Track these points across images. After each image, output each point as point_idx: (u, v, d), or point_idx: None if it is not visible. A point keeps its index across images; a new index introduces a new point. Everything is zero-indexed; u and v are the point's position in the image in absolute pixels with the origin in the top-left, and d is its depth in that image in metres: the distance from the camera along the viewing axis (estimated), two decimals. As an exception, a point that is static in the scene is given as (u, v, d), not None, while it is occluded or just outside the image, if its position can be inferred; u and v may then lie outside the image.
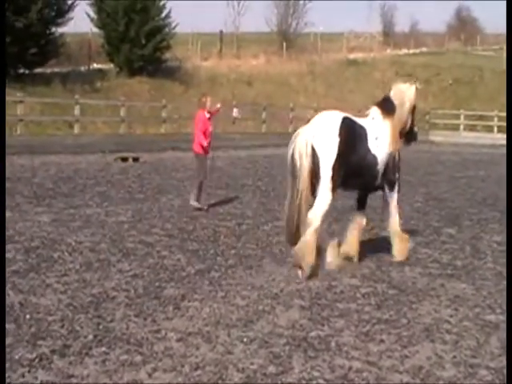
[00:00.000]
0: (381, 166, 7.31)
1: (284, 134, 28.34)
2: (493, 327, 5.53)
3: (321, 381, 4.36)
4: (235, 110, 27.64)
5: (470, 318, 5.76)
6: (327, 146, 6.73)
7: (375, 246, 8.45)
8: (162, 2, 31.02)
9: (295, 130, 7.13)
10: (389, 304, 6.03)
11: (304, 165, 6.66)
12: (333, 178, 6.76)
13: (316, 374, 4.45)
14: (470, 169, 19.90)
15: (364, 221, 7.78)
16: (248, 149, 22.89)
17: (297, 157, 6.70)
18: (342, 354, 4.80)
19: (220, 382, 4.28)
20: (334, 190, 6.88)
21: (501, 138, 31.82)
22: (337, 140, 6.75)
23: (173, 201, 11.27)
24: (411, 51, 50.90)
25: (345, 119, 6.96)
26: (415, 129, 8.12)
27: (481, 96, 39.43)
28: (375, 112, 7.58)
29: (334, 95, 36.73)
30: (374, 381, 4.40)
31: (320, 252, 6.96)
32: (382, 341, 5.10)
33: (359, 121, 7.28)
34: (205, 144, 10.65)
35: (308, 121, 7.21)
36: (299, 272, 6.71)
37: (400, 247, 7.66)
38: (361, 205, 7.80)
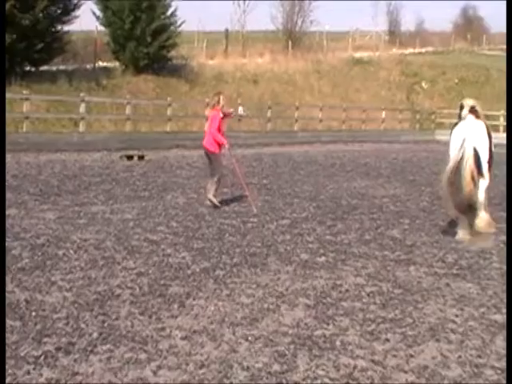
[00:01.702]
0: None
1: (289, 133, 28.43)
2: (498, 327, 5.51)
3: (326, 379, 4.35)
4: (240, 108, 27.69)
5: (476, 317, 5.74)
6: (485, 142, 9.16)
7: (381, 244, 8.44)
8: (167, 1, 31.02)
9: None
10: (394, 303, 6.02)
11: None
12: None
13: (321, 372, 4.45)
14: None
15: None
16: (253, 147, 22.89)
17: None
18: (346, 353, 4.79)
19: (225, 380, 4.28)
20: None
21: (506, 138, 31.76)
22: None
23: (178, 199, 11.27)
24: (417, 50, 50.77)
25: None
26: None
27: (487, 96, 39.26)
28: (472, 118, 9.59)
29: (340, 94, 36.67)
30: (378, 380, 4.39)
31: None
32: (387, 340, 5.09)
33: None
34: (225, 142, 10.64)
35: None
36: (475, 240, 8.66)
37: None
38: None
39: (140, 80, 29.18)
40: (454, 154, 9.20)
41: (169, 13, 31.15)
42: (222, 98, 10.79)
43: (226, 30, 43.13)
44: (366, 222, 9.92)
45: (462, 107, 9.94)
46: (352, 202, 11.92)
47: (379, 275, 6.97)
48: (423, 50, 51.61)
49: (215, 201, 10.54)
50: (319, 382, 4.32)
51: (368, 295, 6.22)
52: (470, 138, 9.11)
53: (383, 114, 33.60)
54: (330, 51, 44.46)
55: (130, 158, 17.24)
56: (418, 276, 7.02)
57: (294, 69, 38.14)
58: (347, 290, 6.36)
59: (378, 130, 32.96)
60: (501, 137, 32.28)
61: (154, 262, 7.05)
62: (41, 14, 24.41)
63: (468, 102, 10.00)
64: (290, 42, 42.16)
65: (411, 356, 4.80)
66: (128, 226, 8.77)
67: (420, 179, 16.12)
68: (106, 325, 5.11)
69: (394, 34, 56.96)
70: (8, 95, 21.06)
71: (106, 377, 4.22)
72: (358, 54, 44.74)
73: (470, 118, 9.51)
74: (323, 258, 7.58)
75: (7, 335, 4.75)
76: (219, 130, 10.69)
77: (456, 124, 9.94)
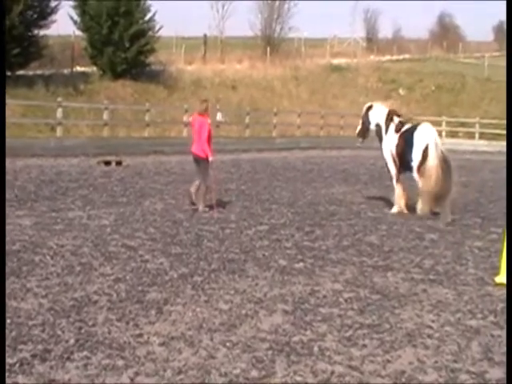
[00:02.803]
0: None
1: (267, 139, 28.48)
2: (474, 332, 5.57)
3: (303, 385, 4.36)
4: (219, 114, 27.69)
5: (452, 323, 5.80)
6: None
7: (359, 250, 8.49)
8: (146, 5, 30.91)
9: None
10: (371, 309, 6.06)
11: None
12: None
13: (299, 378, 4.46)
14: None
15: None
16: (232, 153, 22.87)
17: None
18: (324, 359, 4.81)
19: (203, 386, 4.27)
20: None
21: (482, 145, 32.20)
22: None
23: (156, 204, 11.23)
24: (394, 57, 51.27)
25: None
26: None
27: (463, 103, 39.83)
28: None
29: (318, 100, 36.88)
30: (356, 385, 4.42)
31: None
32: (364, 345, 5.12)
33: None
34: (210, 157, 10.86)
35: None
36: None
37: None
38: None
39: (118, 85, 29.05)
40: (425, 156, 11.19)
41: (147, 18, 31.06)
42: (208, 105, 11.11)
43: (205, 36, 43.14)
44: (343, 228, 9.98)
45: (390, 115, 12.11)
46: (330, 208, 11.98)
47: (357, 281, 7.01)
48: (400, 57, 52.14)
49: (202, 207, 10.76)
50: (297, 387, 4.33)
51: (346, 301, 6.25)
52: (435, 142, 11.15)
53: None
54: (309, 58, 44.72)
55: (107, 163, 17.12)
56: (396, 282, 7.08)
57: (273, 75, 38.29)
58: (325, 296, 6.38)
59: (356, 137, 33.17)
60: (476, 144, 32.88)
61: (132, 268, 7.01)
62: (17, 18, 24.19)
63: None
64: (268, 49, 42.31)
65: (388, 361, 4.84)
66: (105, 232, 8.72)
67: (397, 185, 16.22)
68: (82, 331, 5.06)
69: (372, 41, 57.49)
70: (-17, 99, 20.85)
71: (82, 384, 4.18)
72: (335, 61, 45.08)
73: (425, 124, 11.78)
74: (301, 264, 7.60)
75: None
76: (209, 137, 10.91)
77: (411, 128, 11.73)
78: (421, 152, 11.09)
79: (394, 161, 11.85)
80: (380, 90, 40.61)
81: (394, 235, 9.68)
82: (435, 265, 7.95)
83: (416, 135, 11.29)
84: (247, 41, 46.53)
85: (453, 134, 34.93)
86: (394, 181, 11.98)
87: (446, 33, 64.93)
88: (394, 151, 11.76)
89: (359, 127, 13.00)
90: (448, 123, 34.75)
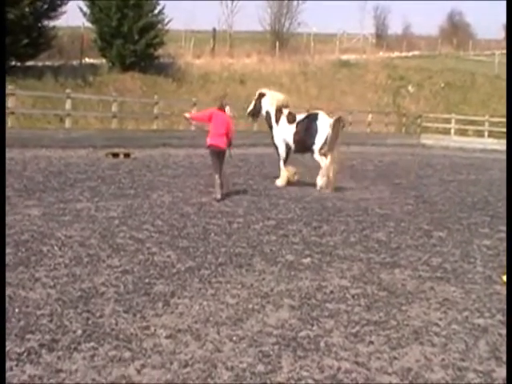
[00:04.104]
0: None
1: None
2: (481, 331, 5.56)
3: (310, 381, 4.36)
4: (227, 108, 27.64)
5: (459, 321, 5.78)
6: None
7: (366, 247, 8.47)
8: (155, -1, 30.89)
9: None
10: (378, 306, 6.04)
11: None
12: None
13: (305, 373, 4.45)
14: (461, 173, 19.98)
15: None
16: (239, 147, 22.83)
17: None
18: (331, 355, 4.81)
19: (209, 379, 4.27)
20: None
21: (491, 143, 32.02)
22: None
23: (163, 197, 11.24)
24: (403, 54, 51.00)
25: None
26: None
27: (472, 101, 39.61)
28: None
29: (326, 96, 36.74)
30: (362, 382, 4.41)
31: None
32: (371, 342, 5.11)
33: None
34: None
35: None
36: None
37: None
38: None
39: (127, 78, 29.03)
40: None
41: (156, 11, 31.02)
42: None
43: (214, 30, 43.03)
44: (351, 224, 9.96)
45: (279, 107, 14.05)
46: (337, 204, 11.95)
47: (364, 277, 7.00)
48: (410, 53, 51.84)
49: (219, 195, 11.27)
50: (303, 382, 4.33)
51: (353, 297, 6.24)
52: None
53: (369, 117, 33.72)
54: (317, 53, 44.52)
55: (115, 155, 17.13)
56: (403, 279, 7.06)
57: (281, 70, 38.17)
58: (332, 292, 6.37)
59: (365, 133, 33.08)
60: (486, 142, 32.71)
61: (139, 260, 7.02)
62: (27, 9, 24.19)
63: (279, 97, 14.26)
64: (277, 43, 42.17)
65: (395, 358, 4.83)
66: (113, 224, 8.73)
67: (405, 182, 16.20)
68: (90, 322, 5.08)
69: (381, 38, 57.20)
70: (-8, 90, 20.89)
71: (89, 375, 4.20)
72: (344, 57, 44.85)
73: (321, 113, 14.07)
74: (308, 260, 7.59)
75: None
76: (230, 131, 11.79)
77: (310, 117, 13.92)
78: (324, 137, 13.35)
79: (287, 146, 14.04)
80: (389, 86, 40.41)
81: (402, 232, 9.66)
82: (443, 263, 7.92)
83: (319, 123, 13.53)
84: (256, 35, 46.35)
85: (462, 132, 34.79)
86: (282, 162, 14.13)
87: (456, 30, 64.53)
88: (292, 138, 13.82)
89: (251, 108, 14.78)
90: (457, 121, 34.59)
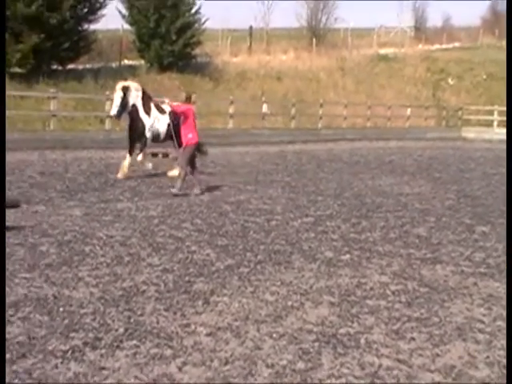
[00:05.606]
0: None
1: (313, 130, 28.33)
2: (526, 327, 5.43)
3: (350, 378, 4.34)
4: (265, 105, 27.66)
5: (504, 317, 5.66)
6: None
7: (406, 242, 8.37)
8: (191, -2, 31.11)
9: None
10: (420, 302, 5.97)
11: None
12: None
13: (345, 371, 4.43)
14: (504, 166, 19.53)
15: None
16: (277, 144, 22.86)
17: None
18: (371, 352, 4.77)
19: (249, 377, 4.29)
20: None
21: (535, 135, 31.18)
22: None
23: (202, 196, 11.32)
24: (443, 46, 50.13)
25: None
26: None
27: (515, 92, 38.66)
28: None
29: (365, 91, 36.40)
30: (404, 379, 4.36)
31: None
32: (412, 339, 5.05)
33: None
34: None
35: None
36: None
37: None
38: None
39: (165, 78, 29.31)
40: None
41: (193, 10, 31.24)
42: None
43: (250, 28, 43.08)
44: (390, 220, 9.85)
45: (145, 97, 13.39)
46: (377, 199, 11.84)
47: (404, 273, 6.92)
48: (450, 45, 50.93)
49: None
50: (344, 380, 4.31)
51: (393, 293, 6.18)
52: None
53: (408, 111, 33.27)
54: (355, 48, 44.15)
55: (154, 155, 17.30)
56: (445, 275, 6.95)
57: (318, 66, 37.97)
58: (372, 289, 6.32)
59: (403, 128, 32.68)
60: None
61: (179, 258, 7.09)
62: (68, 14, 24.66)
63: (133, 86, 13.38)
64: (314, 39, 41.98)
65: (437, 355, 4.76)
66: (153, 223, 8.83)
67: (446, 177, 15.95)
68: (131, 321, 5.15)
69: (420, 30, 56.34)
70: (35, 93, 21.35)
71: (131, 372, 4.26)
72: (382, 51, 44.35)
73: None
74: (347, 256, 7.55)
75: (36, 330, 4.83)
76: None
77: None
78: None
79: (158, 138, 13.72)
80: (428, 79, 39.81)
81: (443, 227, 9.51)
82: (486, 258, 7.77)
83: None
84: (292, 32, 46.21)
85: (504, 124, 33.99)
86: (141, 154, 13.58)
87: (498, 20, 63.05)
88: (172, 129, 12.87)
89: (119, 101, 13.09)
90: (500, 113, 33.84)
